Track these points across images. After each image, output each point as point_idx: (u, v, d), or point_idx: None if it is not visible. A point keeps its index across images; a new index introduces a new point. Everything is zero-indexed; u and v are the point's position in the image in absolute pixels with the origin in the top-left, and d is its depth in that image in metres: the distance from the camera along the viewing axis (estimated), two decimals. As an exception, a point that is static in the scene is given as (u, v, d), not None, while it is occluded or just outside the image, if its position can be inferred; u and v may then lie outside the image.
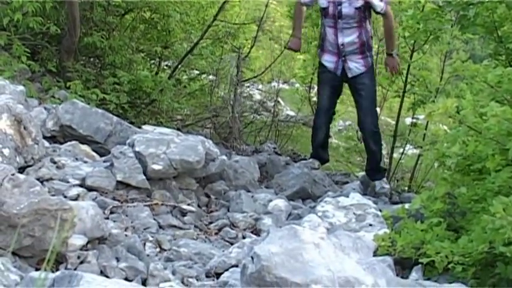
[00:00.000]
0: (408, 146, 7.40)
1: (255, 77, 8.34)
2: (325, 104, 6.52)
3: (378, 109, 7.63)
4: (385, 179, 6.37)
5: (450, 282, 3.20)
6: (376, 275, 2.71)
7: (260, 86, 8.88)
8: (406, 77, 6.41)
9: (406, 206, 4.21)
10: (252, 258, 2.61)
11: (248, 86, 8.16)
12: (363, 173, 6.46)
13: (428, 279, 3.44)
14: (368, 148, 6.38)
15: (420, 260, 3.53)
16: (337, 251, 2.76)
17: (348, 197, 4.35)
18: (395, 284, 2.79)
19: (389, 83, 7.09)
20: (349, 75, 6.23)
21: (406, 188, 6.75)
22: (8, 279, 2.65)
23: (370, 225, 4.10)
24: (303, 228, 2.80)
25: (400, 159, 6.96)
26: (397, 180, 6.93)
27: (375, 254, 3.49)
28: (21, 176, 3.18)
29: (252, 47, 7.85)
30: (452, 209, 3.97)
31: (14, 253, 3.12)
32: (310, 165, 6.11)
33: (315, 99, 8.88)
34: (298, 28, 6.66)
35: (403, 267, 3.75)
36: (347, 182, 6.15)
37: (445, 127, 6.72)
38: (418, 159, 6.79)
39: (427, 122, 7.25)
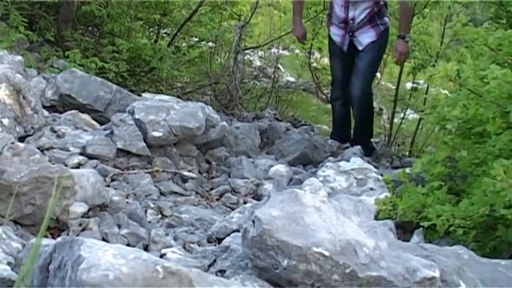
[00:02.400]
0: (409, 110, 7.39)
1: (257, 46, 8.30)
2: (339, 76, 6.33)
3: (377, 75, 7.62)
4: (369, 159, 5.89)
5: (451, 245, 3.20)
6: (377, 238, 2.71)
7: (260, 53, 8.84)
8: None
9: (407, 170, 4.22)
10: (253, 222, 2.61)
11: (248, 53, 8.12)
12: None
13: (430, 242, 3.44)
14: (355, 116, 6.25)
15: (421, 224, 3.54)
16: (338, 214, 2.76)
17: (348, 161, 4.34)
18: (396, 246, 2.79)
19: (389, 47, 7.04)
20: (359, 48, 6.05)
21: (407, 153, 6.74)
22: (10, 246, 2.66)
23: (371, 189, 4.11)
24: (303, 191, 2.80)
25: (400, 124, 6.95)
26: (398, 145, 6.92)
27: (376, 218, 3.49)
28: (21, 145, 3.18)
29: (252, 14, 7.79)
30: (453, 172, 3.97)
31: (15, 221, 3.13)
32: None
33: (315, 64, 8.88)
34: (298, 12, 6.43)
35: (404, 230, 3.76)
36: (347, 147, 6.13)
37: (446, 92, 6.70)
38: (418, 124, 6.78)
39: (428, 87, 7.23)
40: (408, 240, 3.48)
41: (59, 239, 2.15)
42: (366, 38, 5.99)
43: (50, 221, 3.18)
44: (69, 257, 2.00)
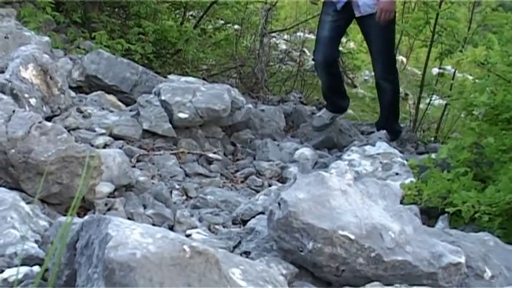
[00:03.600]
0: (434, 96, 7.33)
1: (283, 29, 8.27)
2: (322, 36, 5.82)
3: (397, 58, 7.51)
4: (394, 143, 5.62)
5: (476, 232, 3.18)
6: (403, 222, 2.70)
7: (286, 36, 8.81)
8: (434, 27, 6.31)
9: (433, 155, 4.19)
10: (279, 204, 2.61)
11: (274, 36, 8.09)
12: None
13: (454, 228, 3.42)
14: (379, 100, 6.04)
15: (446, 210, 3.52)
16: (364, 197, 2.75)
17: (374, 146, 4.33)
18: (422, 231, 2.78)
19: (416, 32, 6.99)
20: (357, 14, 5.62)
21: (432, 139, 6.70)
22: (37, 225, 2.68)
23: (397, 174, 4.09)
24: (330, 174, 2.80)
25: (426, 109, 6.90)
26: (423, 131, 6.87)
27: (401, 203, 3.48)
28: (48, 124, 3.19)
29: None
30: (479, 158, 3.95)
31: (42, 200, 3.15)
32: (317, 124, 5.69)
33: (341, 48, 8.82)
34: None
35: (429, 216, 3.74)
36: (372, 132, 6.11)
37: (472, 77, 6.64)
38: (444, 110, 6.73)
39: (454, 72, 7.17)
40: (433, 226, 3.47)
41: (86, 217, 2.16)
42: (366, 2, 5.57)
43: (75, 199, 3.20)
44: (96, 236, 2.01)
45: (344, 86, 6.38)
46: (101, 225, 1.99)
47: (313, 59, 6.13)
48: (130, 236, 1.88)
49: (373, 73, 9.25)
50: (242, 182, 4.28)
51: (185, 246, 1.88)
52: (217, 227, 3.38)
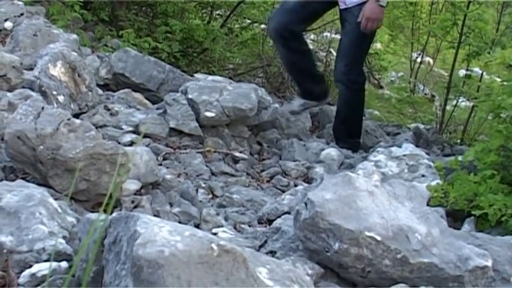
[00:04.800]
0: (461, 98, 7.30)
1: (310, 29, 8.26)
2: (287, 4, 5.22)
3: (424, 59, 7.43)
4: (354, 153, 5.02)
5: (502, 235, 3.17)
6: (429, 225, 2.70)
7: (312, 36, 8.80)
8: (462, 28, 6.28)
9: (460, 157, 4.17)
10: (306, 204, 2.62)
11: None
12: (415, 124, 6.39)
13: (481, 231, 3.40)
14: (337, 104, 5.38)
15: (473, 212, 3.50)
16: (391, 199, 2.75)
17: (400, 147, 4.31)
18: (448, 234, 2.77)
19: (443, 33, 6.96)
20: (341, 6, 5.08)
21: (459, 141, 6.67)
22: (65, 221, 2.70)
23: (423, 176, 4.07)
24: (357, 175, 2.79)
25: (453, 111, 6.87)
26: (450, 133, 6.85)
27: (427, 205, 3.47)
28: (77, 121, 3.22)
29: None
30: (506, 162, 3.92)
31: (70, 197, 3.17)
32: (285, 108, 5.25)
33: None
34: None
35: (454, 219, 3.72)
36: (399, 133, 6.09)
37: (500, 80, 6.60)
38: (471, 112, 6.70)
39: (482, 74, 7.14)
40: (459, 229, 3.45)
41: (114, 214, 2.17)
42: None
43: (103, 197, 3.23)
44: (124, 232, 2.02)
45: (316, 69, 5.80)
46: (129, 222, 2.01)
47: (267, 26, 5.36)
48: (159, 234, 1.89)
49: (399, 73, 9.27)
50: (268, 181, 4.28)
51: (213, 245, 1.89)
52: (243, 226, 3.39)
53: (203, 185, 3.92)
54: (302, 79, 5.43)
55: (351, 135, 5.29)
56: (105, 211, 3.18)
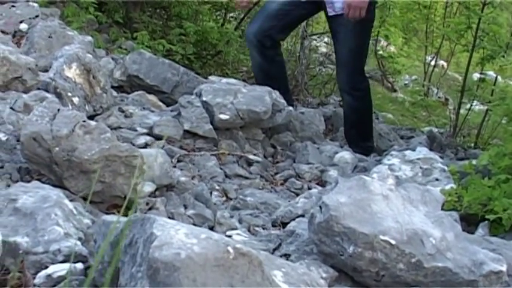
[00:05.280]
0: (475, 102, 7.29)
1: (324, 32, 8.26)
2: (269, 9, 5.07)
3: (438, 62, 7.38)
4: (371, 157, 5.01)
5: (517, 240, 3.16)
6: (444, 229, 2.69)
7: (326, 39, 8.80)
8: (476, 31, 6.26)
9: (473, 161, 4.16)
10: (320, 207, 2.62)
11: (315, 39, 8.10)
12: (429, 127, 6.38)
13: (495, 236, 3.40)
14: (344, 111, 5.36)
15: (487, 217, 3.49)
16: (405, 203, 2.75)
17: (414, 150, 4.31)
18: (463, 238, 2.77)
19: (457, 37, 6.95)
20: (330, 13, 4.94)
21: (472, 145, 6.66)
22: (80, 222, 2.72)
23: (437, 179, 4.07)
24: (371, 179, 2.80)
25: (467, 115, 6.85)
26: (463, 137, 6.83)
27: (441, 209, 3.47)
28: (92, 123, 3.23)
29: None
30: (521, 166, 3.92)
31: (84, 198, 3.19)
32: None
33: (381, 52, 8.81)
34: None
35: (468, 223, 3.72)
36: (412, 137, 6.09)
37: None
38: (485, 116, 6.68)
39: (496, 78, 7.12)
40: (473, 233, 3.45)
41: (130, 216, 2.18)
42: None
43: (117, 198, 3.24)
44: (140, 235, 2.03)
45: (287, 80, 5.65)
46: (146, 225, 2.02)
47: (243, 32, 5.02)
48: (175, 236, 1.90)
49: (413, 77, 9.25)
50: (282, 184, 4.29)
51: (229, 248, 1.90)
52: (257, 228, 3.40)
53: (217, 188, 3.93)
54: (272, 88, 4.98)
55: (362, 139, 5.29)
56: (119, 213, 3.21)
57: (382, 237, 2.52)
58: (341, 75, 5.12)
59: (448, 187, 3.89)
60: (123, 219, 2.24)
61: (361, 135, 5.30)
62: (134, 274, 1.98)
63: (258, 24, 5.14)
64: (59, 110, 3.23)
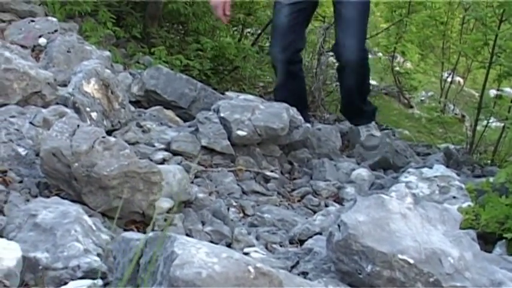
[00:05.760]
0: (492, 118, 7.26)
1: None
2: (280, 24, 5.02)
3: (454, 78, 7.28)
4: (374, 123, 5.23)
5: (535, 259, 3.15)
6: (462, 248, 2.69)
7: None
8: (493, 48, 6.25)
9: (491, 179, 4.15)
10: (339, 226, 2.63)
11: (332, 55, 8.11)
12: (446, 144, 6.36)
13: (512, 255, 3.39)
14: (346, 83, 5.16)
15: (504, 235, 3.48)
16: (423, 222, 2.75)
17: (431, 168, 4.31)
18: (481, 258, 2.77)
19: (474, 53, 6.93)
20: None
21: (489, 162, 6.63)
22: (99, 238, 2.73)
23: (454, 197, 4.06)
24: (390, 197, 2.80)
25: (483, 132, 6.83)
26: (480, 153, 6.80)
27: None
28: (112, 139, 3.25)
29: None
30: (538, 184, 3.90)
31: (102, 214, 3.20)
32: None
33: (397, 68, 8.80)
34: None
35: (485, 241, 3.70)
36: (429, 154, 6.07)
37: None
38: (502, 132, 6.66)
39: (513, 95, 7.10)
40: (490, 252, 3.44)
41: (150, 233, 2.19)
42: None
43: (135, 214, 3.26)
44: (161, 253, 2.04)
45: (307, 100, 5.61)
46: (166, 243, 2.03)
47: (267, 54, 5.13)
48: (196, 255, 1.91)
49: (430, 93, 9.23)
50: (299, 201, 4.29)
51: (250, 267, 1.91)
52: (274, 246, 3.40)
53: (234, 204, 3.94)
54: (295, 105, 4.93)
55: (366, 103, 5.31)
56: (137, 229, 3.22)
57: (400, 256, 2.52)
58: (351, 42, 4.86)
59: (465, 205, 3.89)
60: (144, 236, 2.25)
61: (364, 100, 5.28)
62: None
63: (279, 41, 5.10)
64: (78, 125, 3.25)
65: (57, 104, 4.14)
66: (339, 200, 4.33)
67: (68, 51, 5.14)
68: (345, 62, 5.00)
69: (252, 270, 1.90)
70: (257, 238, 3.49)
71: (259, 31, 7.84)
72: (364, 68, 5.07)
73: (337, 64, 5.33)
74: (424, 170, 4.29)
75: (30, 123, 3.81)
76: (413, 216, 2.74)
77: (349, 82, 5.12)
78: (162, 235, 2.08)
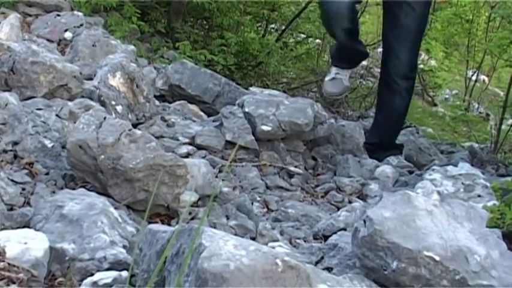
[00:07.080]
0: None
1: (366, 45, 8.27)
2: None
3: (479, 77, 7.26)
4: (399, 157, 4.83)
5: (560, 258, 3.12)
6: (489, 246, 2.67)
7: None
8: (520, 46, 6.22)
9: (516, 178, 4.13)
10: (364, 221, 2.62)
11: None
12: (470, 143, 6.33)
13: (537, 253, 3.36)
14: (395, 104, 4.80)
15: (529, 234, 3.46)
16: (450, 219, 2.73)
17: (456, 166, 4.28)
18: (508, 256, 2.75)
19: (500, 51, 6.89)
20: None
21: (514, 161, 6.60)
22: (125, 230, 2.74)
23: (479, 196, 4.04)
24: (416, 194, 2.78)
25: (508, 131, 6.80)
26: (505, 153, 6.77)
27: (485, 226, 3.44)
28: (138, 132, 3.26)
29: (362, 12, 7.75)
30: None
31: (128, 206, 3.22)
32: (334, 89, 4.95)
33: (421, 66, 8.76)
34: None
35: (510, 240, 3.68)
36: (452, 152, 6.05)
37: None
38: (527, 132, 6.63)
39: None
40: (515, 250, 3.41)
41: (177, 226, 2.20)
42: None
43: (161, 207, 3.27)
44: (188, 245, 2.05)
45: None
46: (193, 235, 2.03)
47: (323, 10, 4.59)
48: (224, 247, 1.91)
49: (454, 91, 9.18)
50: (322, 197, 4.28)
51: (277, 260, 1.91)
52: (298, 241, 3.39)
53: (258, 199, 3.94)
54: (355, 44, 4.73)
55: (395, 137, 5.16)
56: (162, 221, 3.23)
57: (426, 253, 2.51)
58: (406, 56, 4.49)
59: (490, 204, 3.86)
60: (171, 228, 2.26)
61: (398, 131, 5.08)
62: (181, 284, 1.99)
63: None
64: (105, 118, 3.27)
65: (83, 97, 4.17)
66: (363, 197, 4.31)
67: (93, 45, 5.17)
68: (400, 78, 4.63)
69: (279, 263, 1.90)
70: (281, 233, 3.48)
71: (283, 27, 7.83)
72: (413, 90, 4.75)
73: (380, 77, 4.88)
74: (449, 167, 4.27)
75: (57, 115, 3.83)
76: (440, 213, 2.72)
77: (398, 102, 4.74)
78: (194, 228, 2.08)
